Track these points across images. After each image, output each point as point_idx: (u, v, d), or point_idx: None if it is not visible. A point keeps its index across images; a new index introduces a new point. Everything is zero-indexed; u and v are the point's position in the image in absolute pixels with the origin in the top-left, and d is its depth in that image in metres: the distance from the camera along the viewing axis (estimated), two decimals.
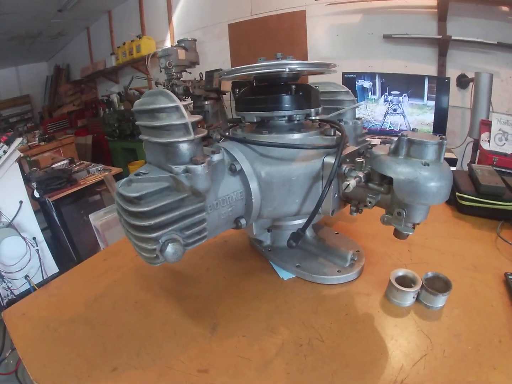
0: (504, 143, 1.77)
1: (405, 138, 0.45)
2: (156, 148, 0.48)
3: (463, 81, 2.34)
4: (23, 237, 1.84)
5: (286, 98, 0.56)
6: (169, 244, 0.44)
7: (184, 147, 0.45)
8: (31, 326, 0.62)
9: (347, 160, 0.55)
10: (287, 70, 0.50)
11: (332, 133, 0.56)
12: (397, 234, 0.52)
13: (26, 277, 1.85)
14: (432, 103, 2.21)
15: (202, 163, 0.44)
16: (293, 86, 0.55)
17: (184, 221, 0.46)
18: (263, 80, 0.61)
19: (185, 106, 0.44)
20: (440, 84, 2.18)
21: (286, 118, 0.58)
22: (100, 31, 4.84)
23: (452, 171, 1.15)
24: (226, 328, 0.56)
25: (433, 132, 2.25)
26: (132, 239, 0.48)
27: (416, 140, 0.45)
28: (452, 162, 1.99)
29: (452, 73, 2.34)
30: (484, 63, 2.23)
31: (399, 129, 2.36)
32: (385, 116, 2.39)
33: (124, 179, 0.47)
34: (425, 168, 0.44)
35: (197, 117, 0.45)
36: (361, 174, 0.49)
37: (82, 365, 0.51)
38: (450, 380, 0.45)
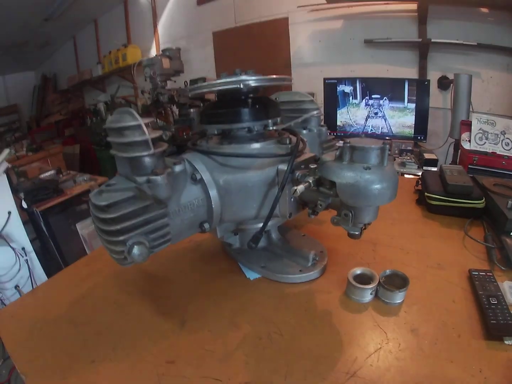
0: (485, 142, 1.80)
1: (348, 144, 0.49)
2: (124, 162, 0.52)
3: (444, 83, 2.39)
4: (12, 248, 1.85)
5: (244, 111, 0.60)
6: (135, 246, 0.49)
7: (146, 160, 0.49)
8: (19, 326, 0.66)
9: (302, 166, 0.59)
10: (241, 86, 0.54)
11: (287, 142, 0.61)
12: (350, 234, 0.56)
13: (16, 287, 1.86)
14: (413, 105, 2.25)
15: (161, 174, 0.48)
16: (250, 100, 0.60)
17: (148, 225, 0.51)
18: (225, 94, 0.66)
19: (147, 124, 0.49)
20: (420, 87, 2.22)
21: (246, 129, 0.63)
22: (87, 40, 4.84)
23: (423, 172, 1.19)
24: (194, 324, 0.61)
25: (414, 134, 2.30)
26: (104, 243, 0.52)
27: (358, 146, 0.49)
28: (433, 162, 2.02)
29: (433, 75, 2.39)
30: (465, 64, 2.28)
31: (381, 132, 2.41)
32: (366, 120, 2.44)
33: (96, 190, 0.52)
34: (366, 172, 0.47)
35: (158, 133, 0.50)
36: (311, 179, 0.54)
37: (64, 359, 0.56)
38: (403, 372, 0.47)
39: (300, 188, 0.51)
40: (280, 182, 0.57)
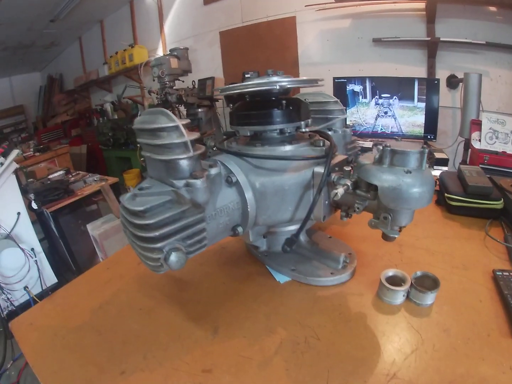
0: (495, 142, 1.79)
1: (389, 148, 0.49)
2: (158, 164, 0.51)
3: (452, 82, 2.37)
4: (21, 248, 1.86)
5: (278, 112, 0.59)
6: (173, 253, 0.48)
7: (184, 163, 0.48)
8: (39, 335, 0.64)
9: (336, 169, 0.58)
10: (277, 87, 0.54)
11: (321, 144, 0.60)
12: (385, 237, 0.56)
13: (25, 288, 1.86)
14: (423, 104, 2.23)
15: (201, 177, 0.47)
16: (284, 101, 0.59)
17: (186, 231, 0.50)
18: (255, 95, 0.65)
19: (184, 125, 0.48)
20: (430, 86, 2.20)
21: (278, 131, 0.62)
22: (93, 40, 4.86)
23: (441, 173, 1.18)
24: (227, 330, 0.60)
25: (424, 133, 2.29)
26: (138, 249, 0.51)
27: (398, 150, 0.49)
28: (443, 162, 2.01)
29: (441, 74, 2.38)
30: (473, 63, 2.26)
31: (391, 131, 2.39)
32: (376, 119, 2.42)
33: (129, 194, 0.50)
34: (407, 176, 0.47)
35: (195, 135, 0.49)
36: (348, 182, 0.53)
37: (91, 370, 0.54)
38: (440, 372, 0.48)
39: (341, 191, 0.50)
40: (315, 185, 0.57)
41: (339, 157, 0.61)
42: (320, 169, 0.56)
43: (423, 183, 0.47)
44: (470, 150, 1.92)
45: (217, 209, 0.54)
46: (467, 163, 2.04)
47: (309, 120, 0.64)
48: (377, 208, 0.53)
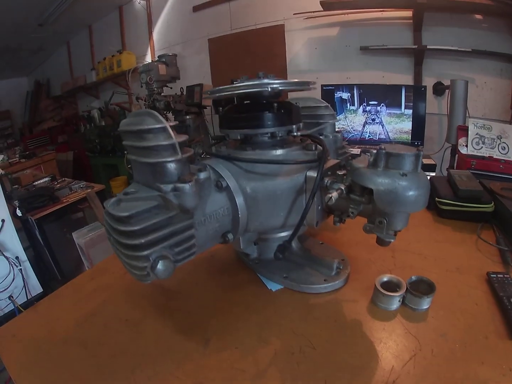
0: (482, 147, 1.81)
1: (383, 151, 0.48)
2: (144, 168, 0.49)
3: (439, 89, 2.41)
4: (6, 257, 1.81)
5: (269, 115, 0.58)
6: (160, 261, 0.45)
7: (172, 167, 0.46)
8: (23, 348, 0.61)
9: (329, 173, 0.57)
10: (269, 89, 0.52)
11: (313, 148, 0.59)
12: (380, 241, 0.55)
13: (10, 297, 1.80)
14: (410, 111, 2.26)
15: (189, 181, 0.45)
16: (275, 104, 0.58)
17: (174, 238, 0.47)
18: (246, 98, 0.64)
19: (172, 127, 0.46)
20: (417, 93, 2.23)
21: (269, 135, 0.61)
22: (81, 46, 4.80)
23: (431, 177, 1.19)
24: (219, 341, 0.57)
25: (411, 140, 2.31)
26: (123, 258, 0.48)
27: (393, 152, 0.48)
28: (431, 168, 2.03)
29: (428, 81, 2.41)
30: (459, 70, 2.31)
31: (378, 138, 2.41)
32: (364, 126, 2.44)
33: (113, 199, 0.47)
34: (403, 179, 0.46)
35: (184, 137, 0.47)
36: (342, 187, 0.52)
37: None
38: (440, 377, 0.47)
39: (335, 195, 0.49)
40: (308, 189, 0.55)
41: (332, 161, 0.60)
42: (313, 173, 0.55)
43: (419, 186, 0.47)
44: (457, 155, 1.95)
45: (207, 215, 0.52)
46: (454, 168, 2.07)
47: (301, 124, 0.63)
48: (372, 212, 0.52)
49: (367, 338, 0.55)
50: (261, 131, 0.59)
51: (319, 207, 0.57)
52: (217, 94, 0.57)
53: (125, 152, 0.54)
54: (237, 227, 0.56)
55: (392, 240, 0.52)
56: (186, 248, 0.49)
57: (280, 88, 0.54)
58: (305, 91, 0.66)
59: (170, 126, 0.46)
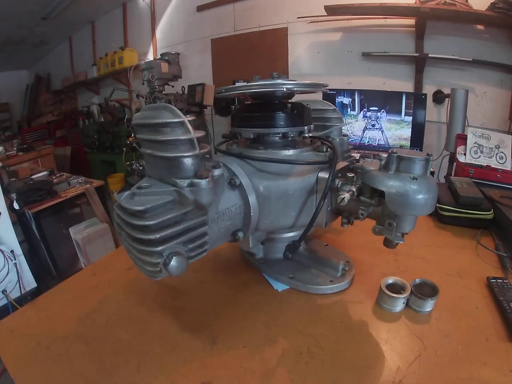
0: (480, 156, 1.83)
1: (395, 154, 0.49)
2: (159, 162, 0.48)
3: (439, 97, 2.44)
4: (1, 250, 1.78)
5: (282, 116, 0.59)
6: (173, 257, 0.45)
7: (189, 162, 0.46)
8: (21, 343, 0.60)
9: (339, 175, 0.57)
10: (284, 89, 0.53)
11: (324, 150, 0.59)
12: (387, 243, 0.55)
13: (4, 292, 1.77)
14: (409, 118, 2.28)
15: (206, 177, 0.45)
16: (289, 105, 0.58)
17: (188, 234, 0.47)
18: (258, 97, 0.64)
19: (189, 122, 0.46)
20: (417, 100, 2.25)
21: (280, 135, 0.61)
22: (83, 41, 4.80)
23: None
24: (226, 340, 0.57)
25: (410, 146, 2.33)
26: (135, 253, 0.47)
27: (405, 156, 0.49)
28: None
29: (428, 89, 2.44)
30: (460, 80, 2.34)
31: (378, 144, 2.43)
32: (364, 131, 2.45)
33: (127, 192, 0.47)
34: (414, 182, 0.47)
35: (201, 133, 0.47)
36: (353, 188, 0.52)
37: (79, 383, 0.50)
38: (444, 377, 0.48)
39: (347, 196, 0.50)
40: (319, 190, 0.56)
41: (342, 164, 0.60)
42: (324, 174, 0.55)
43: (429, 190, 0.48)
44: (455, 163, 1.97)
45: (220, 212, 0.52)
46: (452, 176, 2.09)
47: (312, 126, 0.64)
48: (382, 214, 0.53)
49: (373, 339, 0.56)
50: (274, 131, 0.60)
51: (329, 208, 0.58)
52: (232, 92, 0.58)
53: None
54: (248, 225, 0.56)
55: (401, 242, 0.52)
56: (199, 245, 0.49)
57: (294, 89, 0.54)
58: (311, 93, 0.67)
59: (188, 121, 0.46)
